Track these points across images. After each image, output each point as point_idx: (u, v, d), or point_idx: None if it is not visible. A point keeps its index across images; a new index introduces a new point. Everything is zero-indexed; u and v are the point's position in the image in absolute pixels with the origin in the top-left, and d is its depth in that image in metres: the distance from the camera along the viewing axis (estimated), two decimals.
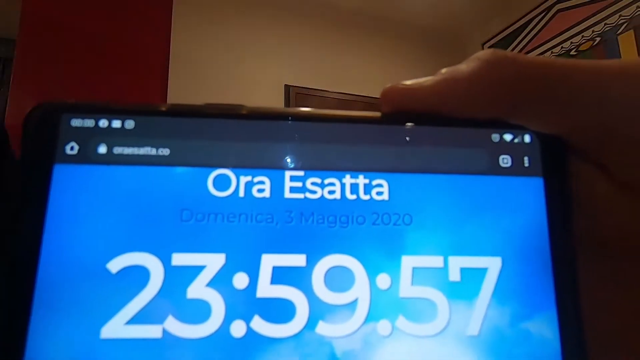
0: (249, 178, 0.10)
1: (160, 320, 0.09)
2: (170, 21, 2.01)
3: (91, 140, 0.10)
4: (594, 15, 1.97)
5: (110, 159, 0.10)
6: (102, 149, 0.10)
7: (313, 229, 0.10)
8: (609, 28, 1.90)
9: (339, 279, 0.10)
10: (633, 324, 0.12)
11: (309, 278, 0.10)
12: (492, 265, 0.10)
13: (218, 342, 0.09)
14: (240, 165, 0.10)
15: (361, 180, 0.11)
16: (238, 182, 0.10)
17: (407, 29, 2.65)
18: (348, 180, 0.11)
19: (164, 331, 0.09)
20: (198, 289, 0.09)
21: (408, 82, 0.15)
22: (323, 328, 0.10)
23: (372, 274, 0.10)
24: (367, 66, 2.47)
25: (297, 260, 0.10)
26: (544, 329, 0.10)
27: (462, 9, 2.48)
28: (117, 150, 0.10)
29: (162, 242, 0.10)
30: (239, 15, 2.19)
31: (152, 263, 0.09)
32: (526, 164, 0.11)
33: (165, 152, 0.10)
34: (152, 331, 0.09)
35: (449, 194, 0.11)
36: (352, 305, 0.10)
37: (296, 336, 0.10)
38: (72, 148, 0.10)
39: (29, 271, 0.09)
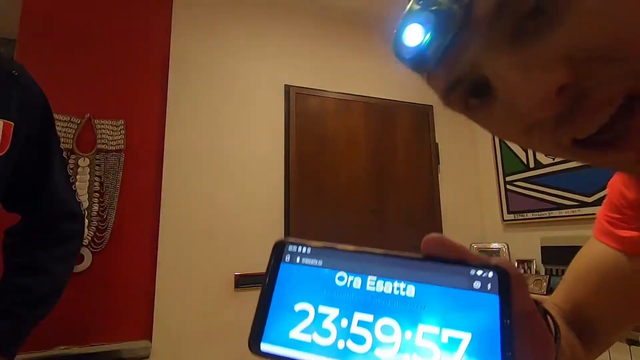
0: (352, 277, 0.23)
1: (311, 332, 0.22)
2: (170, 21, 2.01)
3: (294, 255, 0.24)
4: None
5: (300, 263, 0.24)
6: (297, 258, 0.24)
7: (377, 303, 0.22)
8: None
9: (386, 329, 0.21)
10: None
11: (373, 327, 0.21)
12: (466, 337, 0.20)
13: (332, 347, 0.21)
14: (349, 270, 0.23)
15: (402, 285, 0.22)
16: (348, 278, 0.23)
17: None
18: (396, 284, 0.22)
19: (312, 339, 0.22)
20: (327, 322, 0.22)
21: (441, 236, 0.24)
22: (378, 352, 0.21)
23: (403, 330, 0.21)
24: (366, 66, 2.47)
25: (369, 317, 0.22)
26: None
27: None
28: (303, 260, 0.24)
29: (316, 299, 0.23)
30: (239, 16, 2.19)
31: (310, 308, 0.23)
32: (488, 287, 0.21)
33: (320, 262, 0.24)
34: (308, 337, 0.22)
35: (446, 297, 0.21)
36: (392, 344, 0.21)
37: (367, 353, 0.21)
38: (287, 257, 0.25)
39: (267, 300, 0.23)
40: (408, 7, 0.30)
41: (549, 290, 1.94)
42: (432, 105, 2.60)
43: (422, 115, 2.55)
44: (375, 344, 0.21)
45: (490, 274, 0.21)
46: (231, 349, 1.83)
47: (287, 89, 2.21)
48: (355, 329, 0.21)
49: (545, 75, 0.24)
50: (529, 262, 2.17)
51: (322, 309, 0.22)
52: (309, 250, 0.24)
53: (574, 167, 2.01)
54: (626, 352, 1.59)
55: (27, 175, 0.79)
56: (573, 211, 2.00)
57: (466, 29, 0.27)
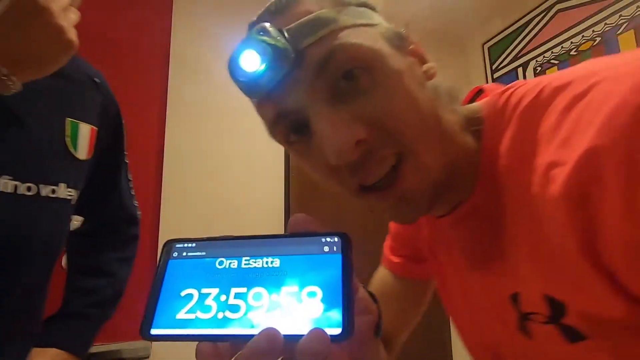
0: (229, 260, 0.27)
1: (195, 311, 0.25)
2: (171, 21, 2.01)
3: (181, 250, 0.28)
4: (594, 15, 1.97)
5: (186, 257, 0.28)
6: (183, 253, 0.28)
7: (250, 277, 0.26)
8: (609, 28, 1.90)
9: (257, 296, 0.25)
10: None
11: (246, 296, 0.25)
12: (318, 290, 0.24)
13: (212, 320, 0.25)
14: (227, 255, 0.27)
15: (269, 259, 0.27)
16: (226, 262, 0.27)
17: (407, 29, 2.65)
18: (265, 259, 0.27)
19: (196, 316, 0.25)
20: (209, 300, 0.26)
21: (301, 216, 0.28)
22: (250, 315, 0.24)
23: (270, 294, 0.25)
24: None
25: (243, 289, 0.26)
26: (331, 309, 0.24)
27: (463, 9, 2.48)
28: (188, 253, 0.28)
29: (199, 284, 0.26)
30: (239, 16, 2.19)
31: (195, 292, 0.26)
32: (334, 249, 0.26)
33: (203, 253, 0.28)
34: (192, 315, 0.25)
35: (304, 262, 0.26)
36: (261, 306, 0.25)
37: (241, 318, 0.25)
38: (174, 254, 0.28)
39: (156, 292, 0.27)
40: (249, 33, 0.34)
41: None
42: None
43: None
44: (248, 309, 0.25)
45: (336, 239, 0.26)
46: None
47: None
48: (232, 301, 0.25)
49: (348, 130, 0.31)
50: None
51: (205, 290, 0.26)
52: (193, 244, 0.28)
53: None
54: None
55: (100, 180, 0.80)
56: None
57: (297, 72, 0.31)
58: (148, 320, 0.25)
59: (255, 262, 0.26)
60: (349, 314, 0.23)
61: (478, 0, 2.41)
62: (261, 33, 0.31)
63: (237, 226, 1.96)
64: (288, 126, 0.35)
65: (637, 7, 1.78)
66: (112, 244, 0.87)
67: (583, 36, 2.02)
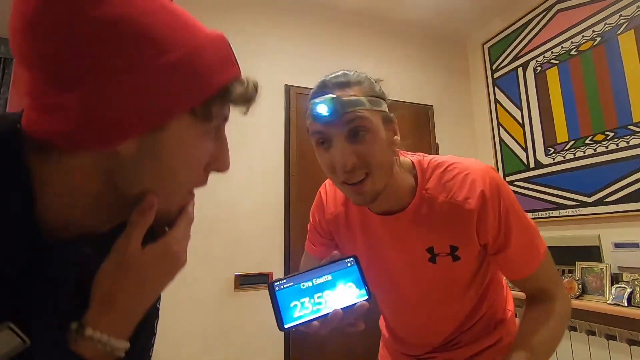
0: (307, 282, 0.56)
1: (301, 310, 0.54)
2: None
3: (280, 285, 0.54)
4: (594, 15, 1.97)
5: (284, 287, 0.54)
6: (282, 286, 0.54)
7: (319, 287, 0.56)
8: (609, 28, 1.90)
9: (325, 293, 0.56)
10: None
11: (322, 296, 0.56)
12: (350, 283, 0.57)
13: (311, 310, 0.54)
14: (304, 280, 0.56)
15: (327, 277, 0.57)
16: (306, 283, 0.56)
17: (407, 29, 2.65)
18: (324, 278, 0.57)
19: (302, 312, 0.54)
20: (306, 303, 0.55)
21: None
22: (324, 300, 0.55)
23: (331, 290, 0.56)
24: (367, 66, 2.46)
25: (319, 293, 0.56)
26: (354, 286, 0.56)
27: (463, 9, 2.48)
28: (285, 285, 0.54)
29: (297, 298, 0.54)
30: (238, 16, 2.19)
31: (297, 302, 0.54)
32: (352, 264, 0.58)
33: (292, 283, 0.55)
34: (301, 312, 0.54)
35: (342, 274, 0.57)
36: (328, 295, 0.55)
37: (321, 303, 0.55)
38: (276, 288, 0.54)
39: (277, 308, 0.53)
40: (324, 92, 0.66)
41: None
42: (432, 105, 2.60)
43: (422, 115, 2.55)
44: (325, 302, 0.53)
45: (351, 259, 0.57)
46: (231, 349, 1.83)
47: (287, 89, 2.21)
48: (316, 301, 0.54)
49: (349, 158, 0.62)
50: None
51: (302, 300, 0.53)
52: (284, 280, 0.55)
53: (574, 167, 2.02)
54: (626, 352, 1.59)
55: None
56: (573, 211, 2.00)
57: (337, 120, 0.62)
58: (280, 322, 0.52)
59: (318, 280, 0.55)
60: (368, 291, 0.55)
61: (478, 0, 2.41)
62: (331, 98, 0.63)
63: (237, 226, 1.96)
64: (320, 138, 0.67)
65: (637, 7, 1.78)
66: None
67: (583, 36, 2.02)
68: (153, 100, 0.34)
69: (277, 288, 0.53)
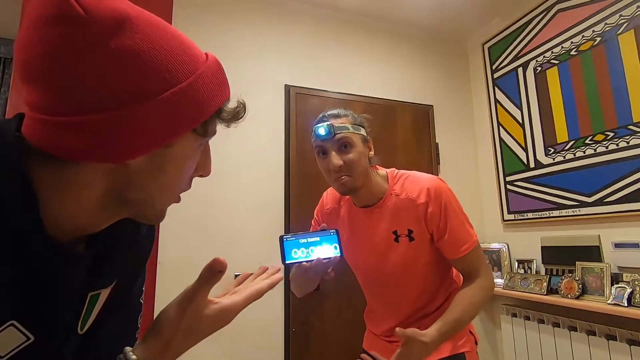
0: (304, 239, 0.89)
1: (296, 254, 0.87)
2: (171, 22, 2.01)
3: (287, 236, 0.87)
4: (594, 15, 1.97)
5: (289, 239, 0.87)
6: (288, 237, 0.87)
7: (312, 243, 0.89)
8: (609, 28, 1.90)
9: (314, 247, 0.88)
10: None
11: (313, 249, 0.88)
12: (331, 242, 0.90)
13: (303, 256, 0.86)
14: (301, 236, 0.89)
15: (316, 237, 0.91)
16: (303, 239, 0.89)
17: (407, 29, 2.65)
18: (316, 237, 0.91)
19: (299, 255, 0.86)
20: (301, 250, 0.87)
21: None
22: (313, 250, 0.88)
23: (318, 245, 0.90)
24: (367, 66, 2.47)
25: (312, 247, 0.89)
26: None
27: (463, 9, 2.48)
28: (289, 237, 0.87)
29: (296, 247, 0.87)
30: (238, 17, 2.19)
31: (298, 250, 0.87)
32: (334, 232, 0.91)
33: (294, 237, 0.89)
34: (297, 255, 0.86)
35: (326, 236, 0.90)
36: (315, 249, 0.87)
37: (310, 252, 0.88)
38: (285, 238, 0.86)
39: (283, 250, 0.85)
40: (324, 119, 1.00)
41: (549, 290, 1.94)
42: (432, 105, 2.60)
43: (422, 115, 2.55)
44: (313, 252, 0.85)
45: (334, 230, 0.89)
46: (231, 349, 1.83)
47: (287, 89, 2.21)
48: (307, 251, 0.85)
49: (338, 162, 0.96)
50: (529, 262, 2.17)
51: (300, 249, 0.84)
52: (290, 235, 0.85)
53: (574, 167, 2.02)
54: (626, 352, 1.59)
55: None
56: (573, 211, 2.00)
57: (332, 138, 0.97)
58: (283, 258, 0.82)
59: (311, 239, 0.85)
60: (341, 250, 0.86)
61: (478, 0, 2.41)
62: (328, 124, 0.96)
63: (236, 226, 1.96)
64: (320, 150, 0.99)
65: (637, 7, 1.78)
66: None
67: (583, 36, 2.02)
68: (165, 123, 0.38)
69: (285, 239, 0.84)
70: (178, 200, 0.49)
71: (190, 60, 0.41)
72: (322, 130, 0.96)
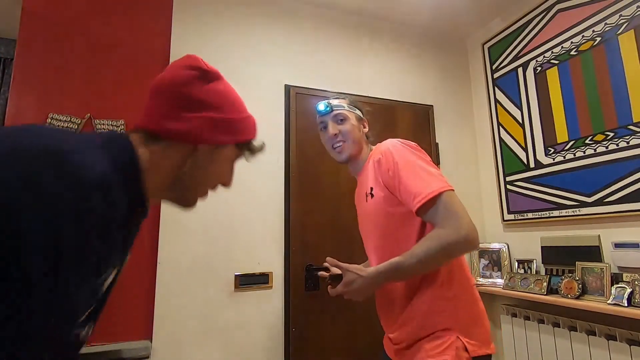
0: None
1: None
2: (171, 22, 2.01)
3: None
4: (594, 15, 1.97)
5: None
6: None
7: None
8: (609, 28, 1.90)
9: None
10: None
11: None
12: None
13: None
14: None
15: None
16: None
17: (407, 29, 2.65)
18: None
19: None
20: None
21: None
22: None
23: None
24: (367, 66, 2.47)
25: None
26: None
27: (463, 9, 2.48)
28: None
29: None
30: (239, 16, 2.19)
31: None
32: None
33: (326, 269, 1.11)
34: None
35: None
36: None
37: None
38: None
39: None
40: (326, 100, 1.22)
41: (549, 290, 1.94)
42: (432, 105, 2.60)
43: (422, 115, 2.55)
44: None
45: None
46: (231, 349, 1.83)
47: (287, 89, 2.21)
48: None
49: (335, 131, 1.18)
50: (529, 262, 2.17)
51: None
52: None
53: (574, 167, 2.02)
54: (626, 352, 1.59)
55: None
56: (573, 211, 2.00)
57: (331, 113, 1.20)
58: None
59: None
60: None
61: (478, 0, 2.41)
62: (327, 102, 1.20)
63: (237, 226, 1.96)
64: (322, 124, 1.21)
65: (637, 7, 1.78)
66: None
67: (583, 36, 2.02)
68: (229, 130, 0.65)
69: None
70: (206, 195, 0.69)
71: (243, 104, 0.69)
72: (321, 106, 1.18)
